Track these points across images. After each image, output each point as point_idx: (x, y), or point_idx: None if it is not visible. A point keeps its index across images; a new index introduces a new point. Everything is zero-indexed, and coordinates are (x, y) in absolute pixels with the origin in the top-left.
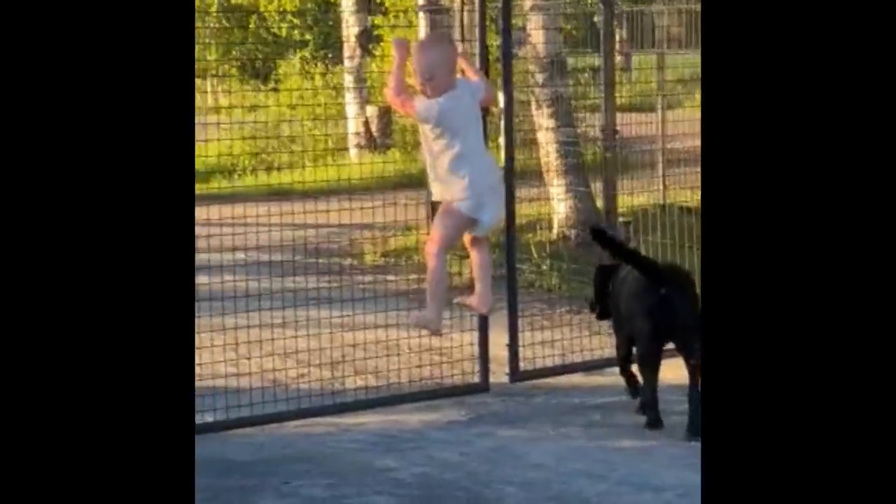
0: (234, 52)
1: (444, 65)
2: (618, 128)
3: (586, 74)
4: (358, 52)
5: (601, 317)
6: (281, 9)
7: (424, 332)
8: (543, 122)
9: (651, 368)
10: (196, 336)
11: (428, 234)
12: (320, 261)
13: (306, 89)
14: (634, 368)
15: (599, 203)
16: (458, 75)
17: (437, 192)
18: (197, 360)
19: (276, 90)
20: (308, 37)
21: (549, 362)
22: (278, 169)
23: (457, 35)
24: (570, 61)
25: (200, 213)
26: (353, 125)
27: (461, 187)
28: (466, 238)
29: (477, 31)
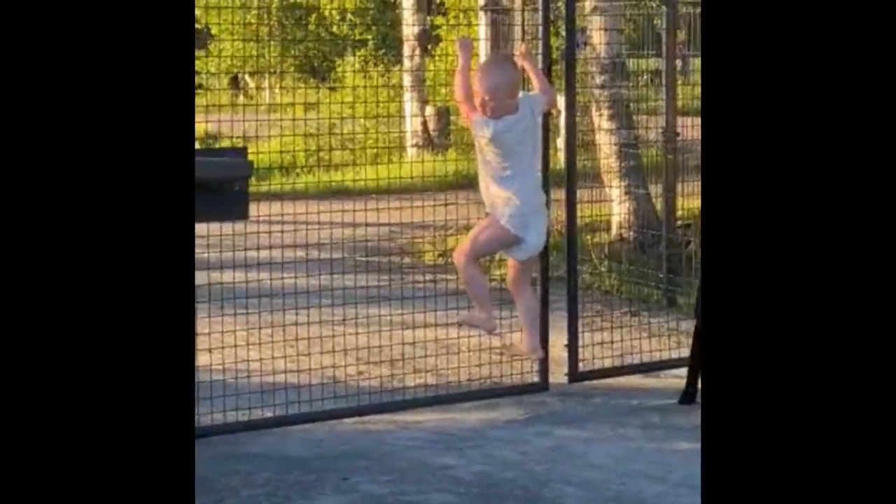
0: (293, 51)
1: (506, 88)
2: (678, 130)
3: (646, 77)
4: (417, 51)
5: None
6: (341, 8)
7: (481, 331)
8: (603, 124)
9: None
10: (255, 332)
11: None
12: (379, 259)
13: (365, 87)
14: None
15: (658, 205)
16: (521, 90)
17: (487, 202)
18: (256, 357)
19: (334, 89)
20: (367, 36)
21: (607, 363)
22: (336, 167)
23: (517, 35)
24: (630, 63)
25: (260, 210)
26: (412, 125)
27: (509, 203)
28: (510, 281)
29: (540, 30)
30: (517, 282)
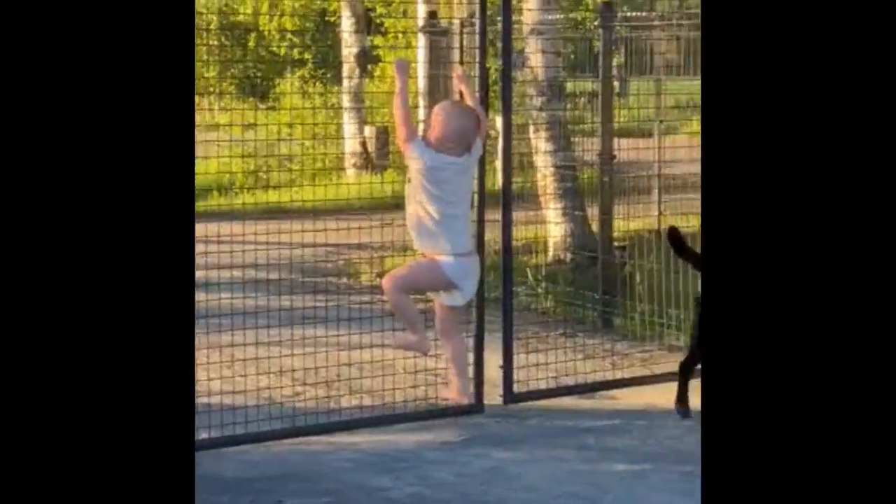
0: (232, 70)
1: (461, 135)
2: (615, 152)
3: (584, 99)
4: (356, 72)
5: None
6: (280, 27)
7: (416, 353)
8: (540, 146)
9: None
10: None
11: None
12: (316, 279)
13: (304, 108)
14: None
15: (595, 227)
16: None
17: (417, 242)
18: None
19: (273, 109)
20: (307, 56)
21: (542, 385)
22: (275, 187)
23: (456, 57)
24: (568, 85)
25: (198, 230)
26: (351, 145)
27: (444, 246)
28: (440, 326)
29: (477, 53)
30: (447, 327)
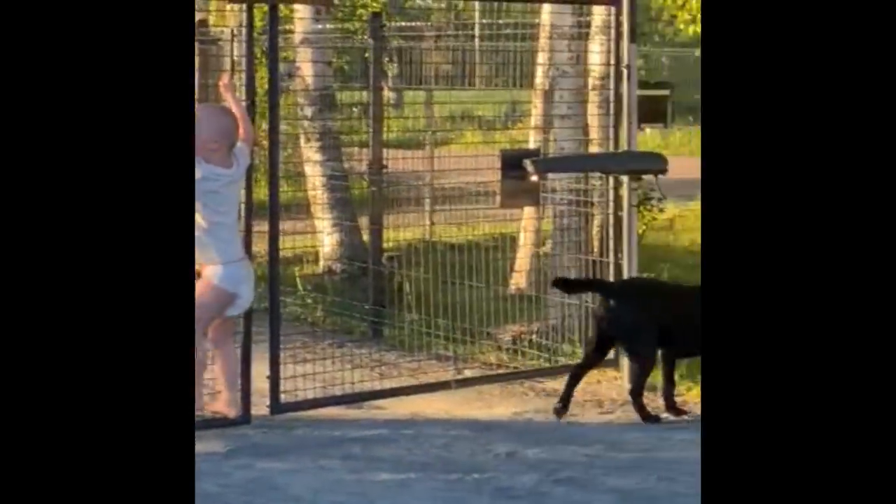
0: None
1: (223, 134)
2: (385, 163)
3: (356, 109)
4: None
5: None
6: None
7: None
8: (311, 156)
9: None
10: None
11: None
12: None
13: None
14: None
15: (366, 237)
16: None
17: None
18: None
19: None
20: None
21: (310, 395)
22: None
23: (227, 66)
24: (341, 95)
25: None
26: None
27: (213, 258)
28: (214, 336)
29: (244, 62)
30: (221, 337)
